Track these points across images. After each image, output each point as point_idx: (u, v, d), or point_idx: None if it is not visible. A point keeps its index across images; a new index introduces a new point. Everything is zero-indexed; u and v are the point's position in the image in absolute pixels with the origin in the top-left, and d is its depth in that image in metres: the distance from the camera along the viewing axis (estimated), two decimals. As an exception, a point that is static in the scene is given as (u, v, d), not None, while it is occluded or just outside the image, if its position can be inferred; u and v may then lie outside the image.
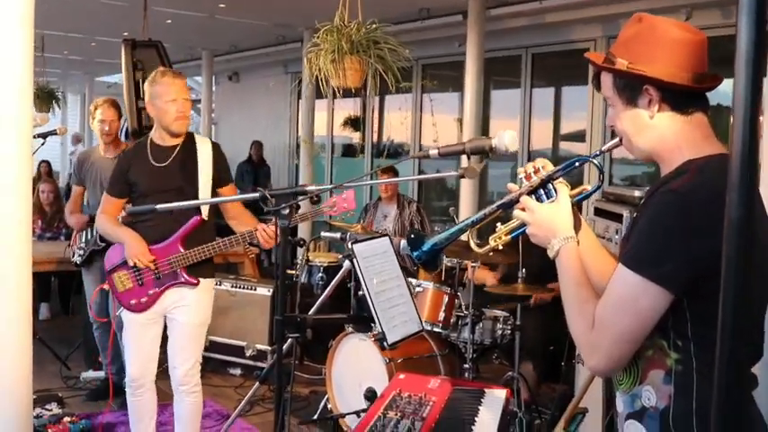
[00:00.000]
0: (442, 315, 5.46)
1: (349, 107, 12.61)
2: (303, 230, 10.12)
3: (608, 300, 1.87)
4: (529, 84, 9.42)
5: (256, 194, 2.53)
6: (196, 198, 4.16)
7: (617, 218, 4.49)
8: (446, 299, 5.47)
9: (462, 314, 5.51)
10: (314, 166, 10.76)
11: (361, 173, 11.77)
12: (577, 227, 2.13)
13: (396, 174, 7.73)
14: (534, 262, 5.41)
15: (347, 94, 6.56)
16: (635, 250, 1.84)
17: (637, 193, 4.50)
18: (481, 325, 5.54)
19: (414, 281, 5.57)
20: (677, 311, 1.84)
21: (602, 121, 8.29)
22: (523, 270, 5.43)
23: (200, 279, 4.32)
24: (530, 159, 10.10)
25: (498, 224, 2.25)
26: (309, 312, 2.93)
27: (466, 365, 5.41)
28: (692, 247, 1.75)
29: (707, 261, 1.73)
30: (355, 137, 12.64)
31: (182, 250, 4.26)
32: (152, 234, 4.31)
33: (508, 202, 2.18)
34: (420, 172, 10.37)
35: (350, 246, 2.59)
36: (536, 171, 2.17)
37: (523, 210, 2.12)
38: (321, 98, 10.53)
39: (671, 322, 1.86)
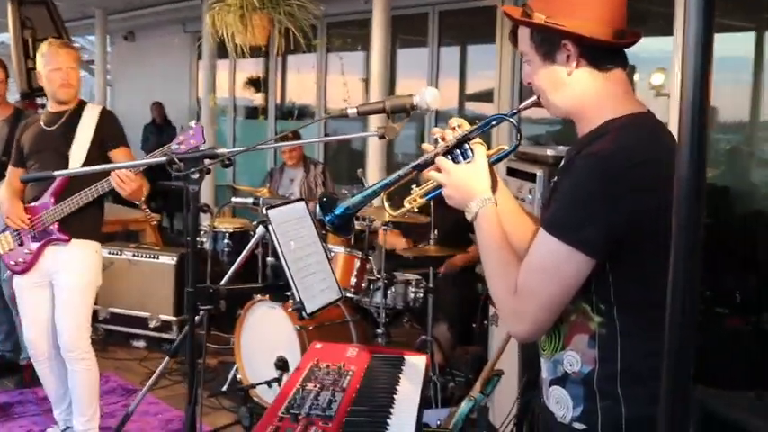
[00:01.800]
0: (353, 280, 5.44)
1: (251, 68, 12.39)
2: (206, 196, 9.93)
3: (530, 266, 1.86)
4: (436, 42, 9.37)
5: (163, 159, 2.42)
6: (67, 158, 4.35)
7: (530, 177, 4.52)
8: (357, 263, 5.45)
9: (374, 278, 5.50)
10: (216, 130, 10.56)
11: (265, 136, 11.60)
12: (495, 188, 2.11)
13: (299, 136, 7.61)
14: (445, 224, 5.43)
15: (251, 53, 6.41)
16: (557, 216, 1.83)
17: (549, 152, 4.54)
18: (393, 289, 5.55)
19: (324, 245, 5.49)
20: (599, 276, 1.84)
21: (510, 81, 8.30)
22: (435, 231, 5.42)
23: (76, 239, 4.45)
24: (436, 120, 10.02)
25: (413, 186, 2.22)
26: (221, 282, 2.83)
27: (378, 330, 5.42)
28: (614, 212, 1.75)
29: (628, 225, 1.76)
30: (257, 98, 12.44)
31: (52, 205, 4.41)
32: (30, 193, 4.51)
33: (423, 163, 2.15)
34: (325, 135, 10.30)
35: (264, 211, 2.49)
36: (452, 130, 2.14)
37: (439, 171, 2.09)
38: (223, 58, 10.32)
39: (593, 286, 1.86)
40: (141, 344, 6.86)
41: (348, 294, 5.44)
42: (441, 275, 5.95)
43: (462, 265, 6.02)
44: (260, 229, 2.64)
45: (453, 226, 5.00)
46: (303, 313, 2.40)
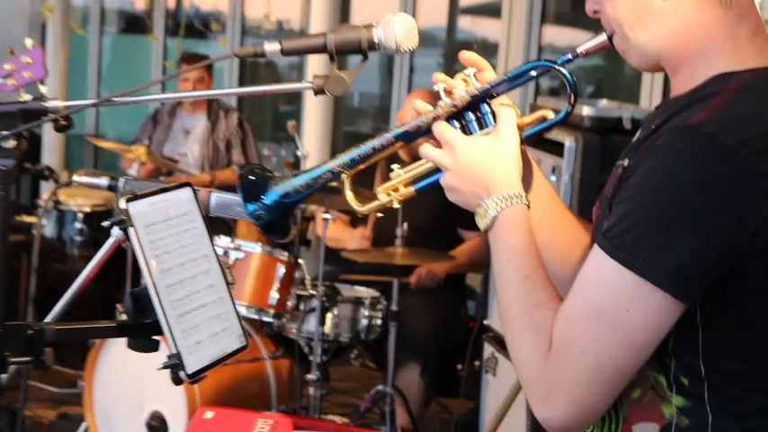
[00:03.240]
0: (274, 296, 5.41)
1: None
2: (53, 153, 9.77)
3: (576, 309, 1.86)
4: None
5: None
6: None
7: (554, 148, 4.51)
8: (281, 270, 5.43)
9: (306, 293, 5.48)
10: (72, 53, 10.38)
11: (146, 63, 11.38)
12: (528, 179, 2.14)
13: (207, 67, 7.56)
14: (421, 214, 5.38)
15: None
16: (625, 230, 1.81)
17: (586, 111, 4.54)
18: (336, 311, 5.51)
19: (229, 240, 5.55)
20: (684, 330, 1.84)
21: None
22: (405, 226, 5.36)
23: None
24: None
25: (395, 166, 2.22)
26: (51, 314, 2.67)
27: (311, 376, 5.36)
28: (722, 226, 1.75)
29: (743, 248, 1.76)
30: (139, 1, 12.28)
31: None
32: None
33: (414, 131, 2.14)
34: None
35: (123, 206, 2.36)
36: (465, 82, 2.11)
37: (439, 146, 2.07)
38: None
39: (671, 346, 1.86)
40: None
41: (266, 318, 5.43)
42: (411, 288, 5.95)
43: (444, 275, 6.00)
44: (115, 232, 2.48)
45: (434, 216, 4.92)
46: (181, 374, 2.28)
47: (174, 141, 7.61)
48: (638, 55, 1.99)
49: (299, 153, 6.07)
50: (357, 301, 5.57)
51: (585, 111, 4.50)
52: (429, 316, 5.91)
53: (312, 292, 5.42)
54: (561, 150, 4.41)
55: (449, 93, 2.09)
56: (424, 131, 2.10)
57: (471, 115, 2.08)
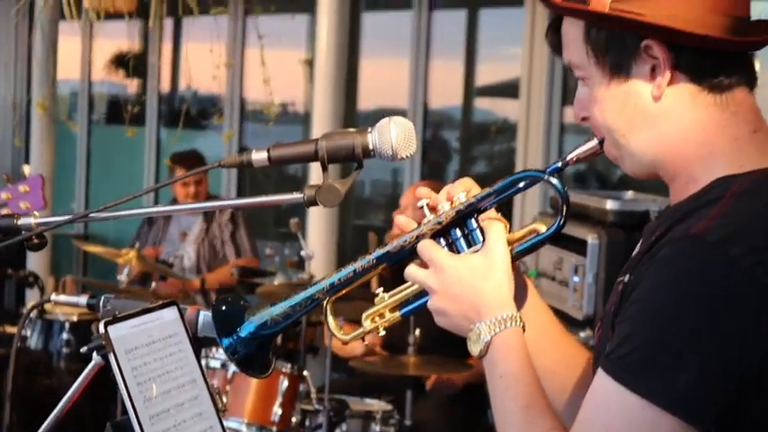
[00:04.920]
0: (277, 411, 5.45)
1: (120, 34, 12.29)
2: (37, 258, 9.75)
3: None
4: (426, 3, 9.39)
5: None
6: None
7: (576, 246, 4.52)
8: (284, 383, 5.45)
9: (312, 408, 5.48)
10: (57, 145, 10.34)
11: (138, 157, 11.41)
12: (522, 298, 2.16)
13: (201, 163, 7.65)
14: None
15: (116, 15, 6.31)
16: (630, 350, 1.80)
17: (610, 205, 4.53)
18: (344, 426, 5.52)
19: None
20: None
21: (546, 66, 8.29)
22: (417, 332, 5.30)
23: None
24: (426, 126, 10.07)
25: (379, 290, 2.22)
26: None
27: None
28: (736, 343, 1.74)
29: (757, 372, 1.75)
30: (132, 86, 12.32)
31: None
32: None
33: (397, 251, 2.15)
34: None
35: (101, 329, 2.35)
36: (448, 198, 2.13)
37: (425, 266, 2.08)
38: (72, 19, 10.21)
39: None
40: None
41: (269, 437, 5.40)
42: (428, 394, 5.97)
43: (464, 384, 5.99)
44: (95, 358, 2.48)
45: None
46: None
47: (170, 243, 7.70)
48: (631, 162, 2.00)
49: (303, 253, 6.07)
50: (367, 416, 5.57)
51: (609, 205, 4.51)
52: (446, 427, 5.92)
53: (318, 406, 5.43)
54: (584, 248, 4.41)
55: (433, 209, 2.12)
56: (409, 251, 2.11)
57: (458, 232, 2.10)
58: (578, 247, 4.42)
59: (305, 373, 5.50)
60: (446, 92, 10.00)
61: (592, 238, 4.36)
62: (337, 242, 8.04)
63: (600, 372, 1.83)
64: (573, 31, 1.99)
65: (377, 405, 5.63)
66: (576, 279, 4.40)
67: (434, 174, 9.68)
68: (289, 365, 5.40)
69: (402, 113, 7.09)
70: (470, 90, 9.99)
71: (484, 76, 9.97)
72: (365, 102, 10.35)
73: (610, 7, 1.89)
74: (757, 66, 6.29)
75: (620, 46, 1.93)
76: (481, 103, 10.19)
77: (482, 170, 9.88)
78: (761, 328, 1.72)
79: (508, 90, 9.19)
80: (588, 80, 1.99)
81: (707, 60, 1.91)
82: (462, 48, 9.91)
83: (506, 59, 9.38)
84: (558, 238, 4.39)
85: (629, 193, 4.54)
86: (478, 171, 9.91)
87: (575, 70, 2.02)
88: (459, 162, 10.46)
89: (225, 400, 5.25)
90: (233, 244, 7.57)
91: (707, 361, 1.73)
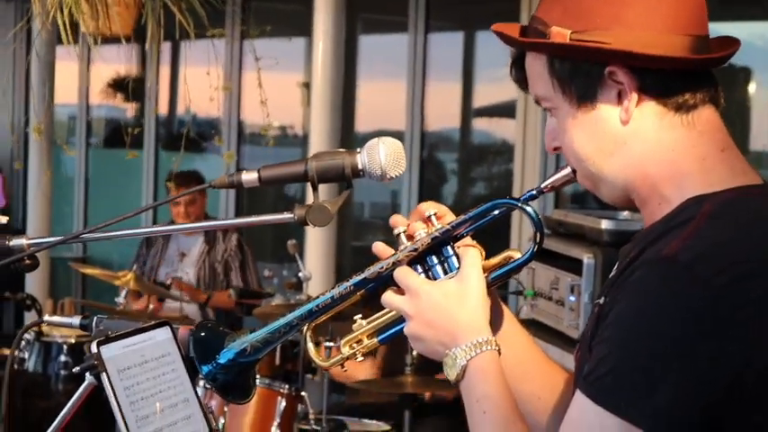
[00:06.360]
0: None
1: (118, 58, 12.27)
2: (36, 281, 9.74)
3: None
4: (422, 26, 9.41)
5: None
6: None
7: (571, 265, 4.51)
8: (281, 404, 5.44)
9: (310, 429, 5.49)
10: (55, 169, 10.36)
11: (137, 177, 11.41)
12: (497, 323, 2.17)
13: (199, 182, 7.68)
14: None
15: (113, 39, 6.31)
16: (606, 371, 1.81)
17: (605, 224, 4.53)
18: None
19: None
20: None
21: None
22: (413, 353, 5.35)
23: None
24: (423, 146, 10.09)
25: (357, 317, 2.23)
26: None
27: None
28: (709, 363, 1.75)
29: (735, 383, 1.75)
30: (129, 109, 12.32)
31: None
32: None
33: (373, 278, 2.17)
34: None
35: (94, 348, 2.36)
36: (426, 222, 2.16)
37: (401, 292, 2.09)
38: (70, 44, 10.21)
39: None
40: None
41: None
42: (428, 400, 6.05)
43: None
44: (88, 379, 2.48)
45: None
46: None
47: (169, 264, 7.69)
48: (606, 189, 2.01)
49: (301, 275, 6.09)
50: (366, 435, 5.57)
51: (604, 224, 4.51)
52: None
53: (316, 428, 5.43)
54: (579, 268, 4.40)
55: (410, 237, 2.13)
56: (385, 278, 2.12)
57: (434, 259, 2.11)
58: (574, 266, 4.44)
59: (303, 393, 5.49)
60: (443, 114, 10.01)
61: (587, 258, 4.37)
62: (335, 265, 8.06)
63: (578, 393, 1.84)
64: (537, 64, 2.01)
65: (376, 425, 5.63)
66: (572, 298, 4.40)
67: (432, 196, 9.66)
68: (287, 386, 5.40)
69: (400, 135, 7.10)
70: (468, 112, 10.02)
71: (481, 98, 9.99)
72: (363, 124, 10.34)
73: (570, 38, 1.92)
74: (752, 88, 6.36)
75: (584, 75, 1.94)
76: (479, 125, 10.18)
77: (481, 192, 9.87)
78: (734, 347, 1.72)
79: (505, 111, 9.22)
80: (556, 111, 2.00)
81: (671, 80, 1.93)
82: (459, 69, 9.95)
83: (503, 81, 9.41)
84: (554, 258, 4.43)
85: (625, 213, 4.55)
86: (477, 193, 9.91)
87: (542, 103, 2.03)
88: (457, 184, 10.47)
89: (223, 421, 5.26)
90: (241, 273, 7.59)
91: (681, 381, 1.73)
